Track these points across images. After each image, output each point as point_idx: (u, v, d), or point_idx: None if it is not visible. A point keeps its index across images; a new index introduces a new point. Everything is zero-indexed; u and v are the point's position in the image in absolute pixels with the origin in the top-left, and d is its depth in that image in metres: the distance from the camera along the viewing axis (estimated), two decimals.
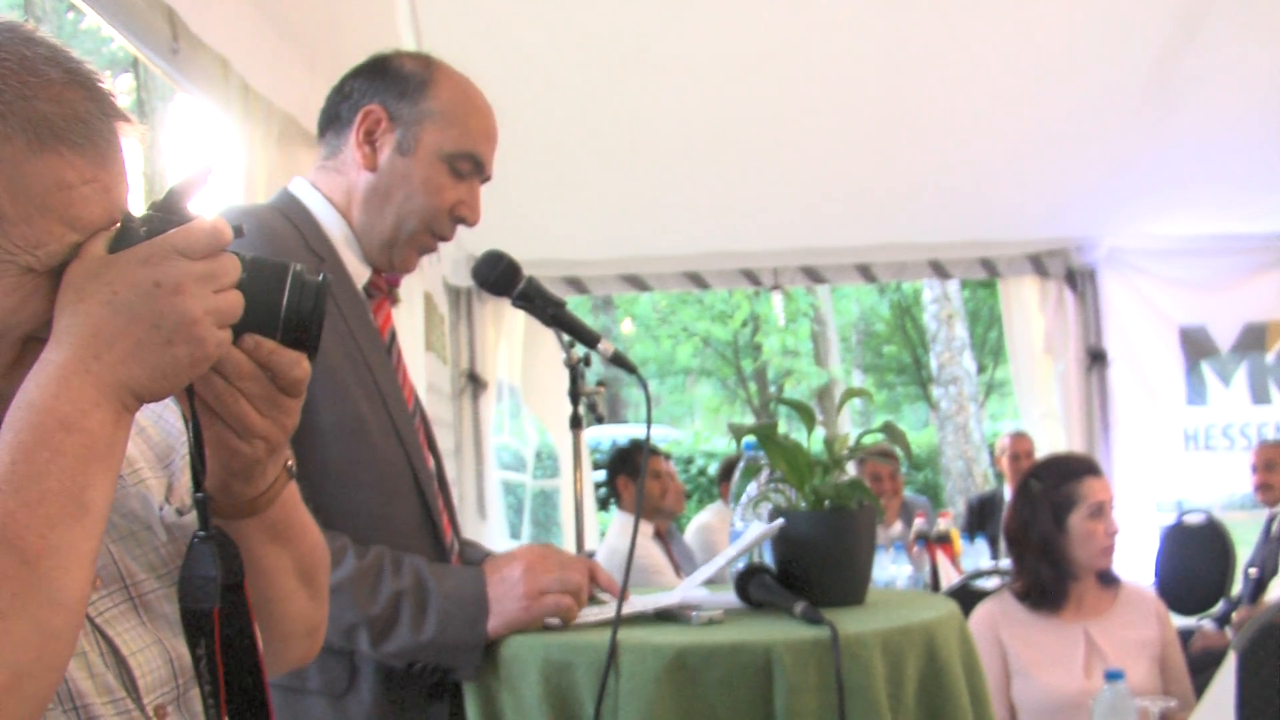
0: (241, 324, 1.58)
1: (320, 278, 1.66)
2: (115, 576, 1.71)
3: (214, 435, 1.66)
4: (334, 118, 3.10)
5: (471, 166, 3.06)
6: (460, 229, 3.11)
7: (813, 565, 3.09)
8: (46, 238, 1.52)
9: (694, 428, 34.49)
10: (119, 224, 1.56)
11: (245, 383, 1.62)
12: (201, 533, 1.66)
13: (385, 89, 3.05)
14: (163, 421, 1.94)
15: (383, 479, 2.92)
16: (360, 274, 3.06)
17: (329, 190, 3.06)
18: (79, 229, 1.54)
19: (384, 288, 3.15)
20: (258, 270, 1.61)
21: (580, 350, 3.21)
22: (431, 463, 3.14)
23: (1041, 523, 4.87)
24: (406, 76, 3.06)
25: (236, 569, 1.71)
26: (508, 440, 11.82)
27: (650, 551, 8.12)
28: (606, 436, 23.21)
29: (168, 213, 1.57)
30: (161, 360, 1.49)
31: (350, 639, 2.76)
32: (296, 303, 1.62)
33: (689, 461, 26.35)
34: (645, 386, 3.07)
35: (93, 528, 1.43)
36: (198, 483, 1.66)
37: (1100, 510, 4.77)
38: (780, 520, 3.12)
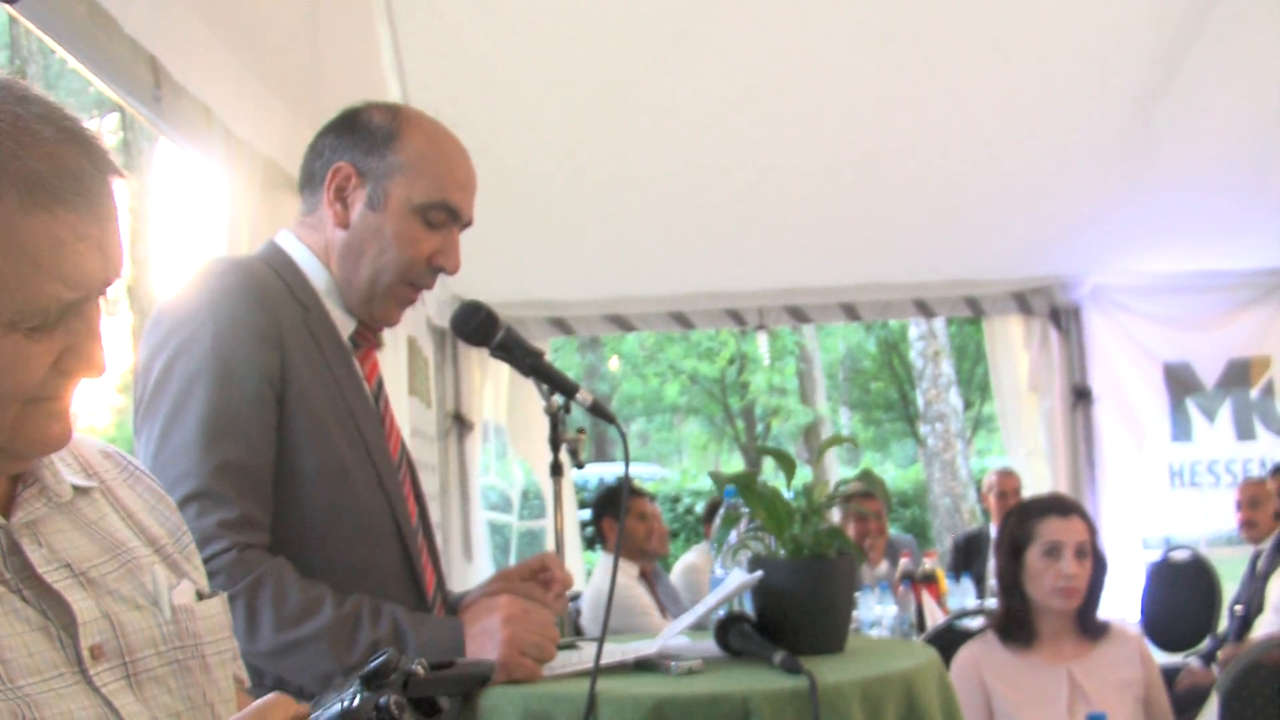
0: None
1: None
2: (116, 651, 1.72)
3: None
4: (309, 176, 3.11)
5: (445, 215, 3.05)
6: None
7: (792, 614, 3.09)
8: (42, 298, 1.54)
9: (681, 465, 34.53)
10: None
11: None
12: None
13: (353, 145, 3.05)
14: (157, 514, 1.96)
15: (364, 527, 2.92)
16: (345, 324, 3.06)
17: (311, 244, 3.07)
18: (73, 286, 1.56)
19: (370, 337, 3.15)
20: None
21: (560, 398, 3.21)
22: (415, 513, 3.14)
23: (1001, 557, 4.91)
24: (374, 130, 3.06)
25: None
26: (494, 481, 11.81)
27: (635, 593, 8.11)
28: (594, 475, 23.19)
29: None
30: None
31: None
32: None
33: (676, 500, 26.32)
34: (624, 434, 3.07)
35: None
36: None
37: (1055, 550, 4.76)
38: (759, 572, 3.12)
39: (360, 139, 3.05)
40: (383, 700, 1.59)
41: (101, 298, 1.64)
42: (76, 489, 1.81)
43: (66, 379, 1.65)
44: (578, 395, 3.11)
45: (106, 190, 1.61)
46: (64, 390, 1.65)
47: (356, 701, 1.59)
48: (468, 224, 3.14)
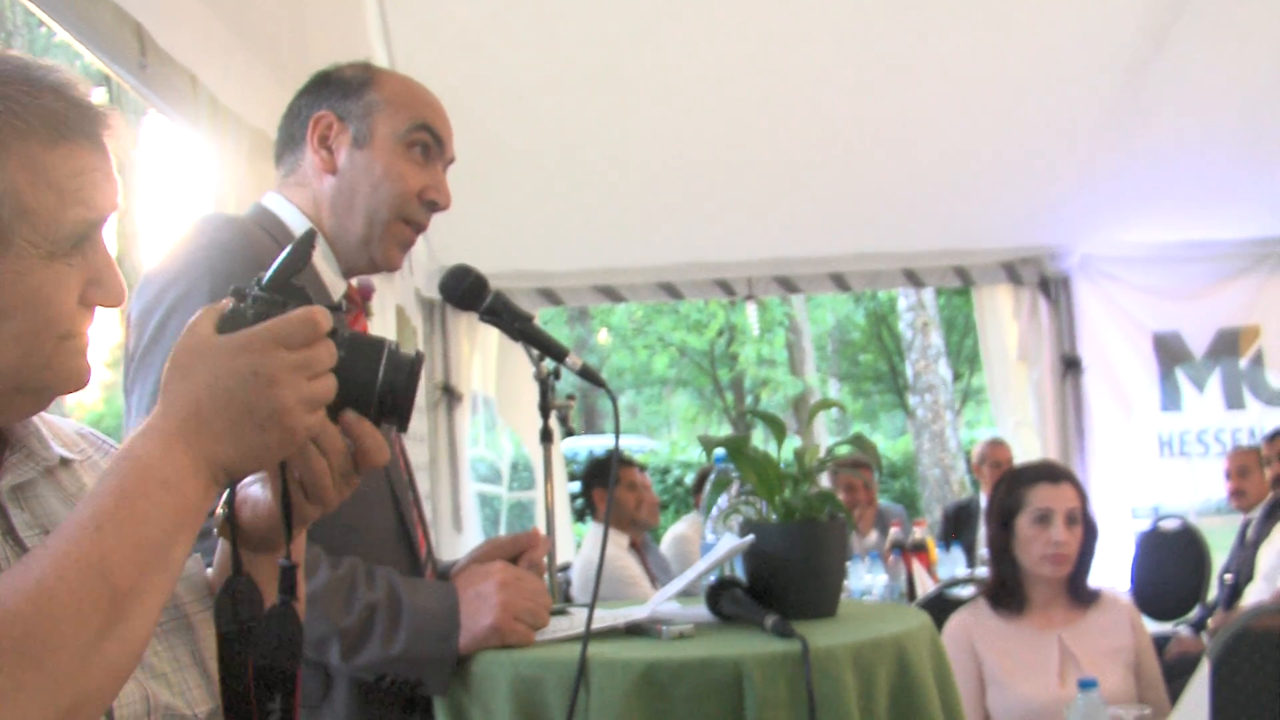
0: (340, 399, 1.70)
1: (414, 353, 1.77)
2: None
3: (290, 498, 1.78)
4: (288, 138, 3.12)
5: (430, 140, 3.07)
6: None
7: (783, 578, 3.10)
8: (68, 222, 1.66)
9: (670, 437, 34.52)
10: (231, 298, 1.69)
11: (335, 458, 1.73)
12: (285, 597, 1.79)
13: (329, 94, 3.07)
14: None
15: (358, 489, 2.92)
16: (336, 286, 3.05)
17: (299, 203, 3.06)
18: (93, 209, 1.69)
19: (359, 300, 3.15)
20: (355, 348, 1.72)
21: (550, 364, 3.20)
22: (407, 476, 3.14)
23: (992, 524, 4.92)
24: (348, 79, 3.08)
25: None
26: (483, 452, 11.80)
27: (626, 563, 8.12)
28: (583, 447, 23.20)
29: (273, 292, 1.69)
30: (253, 443, 1.61)
31: (321, 651, 2.74)
32: (390, 379, 1.73)
33: (665, 471, 26.35)
34: (614, 399, 3.06)
35: (168, 582, 1.55)
36: (286, 551, 1.79)
37: (1045, 517, 4.76)
38: (750, 536, 3.12)
39: (335, 88, 3.07)
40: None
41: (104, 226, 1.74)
42: (63, 460, 1.84)
43: (88, 313, 1.74)
44: (567, 360, 3.10)
45: (104, 125, 1.73)
46: (86, 326, 1.74)
47: None
48: (451, 160, 3.15)
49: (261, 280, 1.70)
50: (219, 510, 1.82)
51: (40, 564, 1.45)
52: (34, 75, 1.68)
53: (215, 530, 1.89)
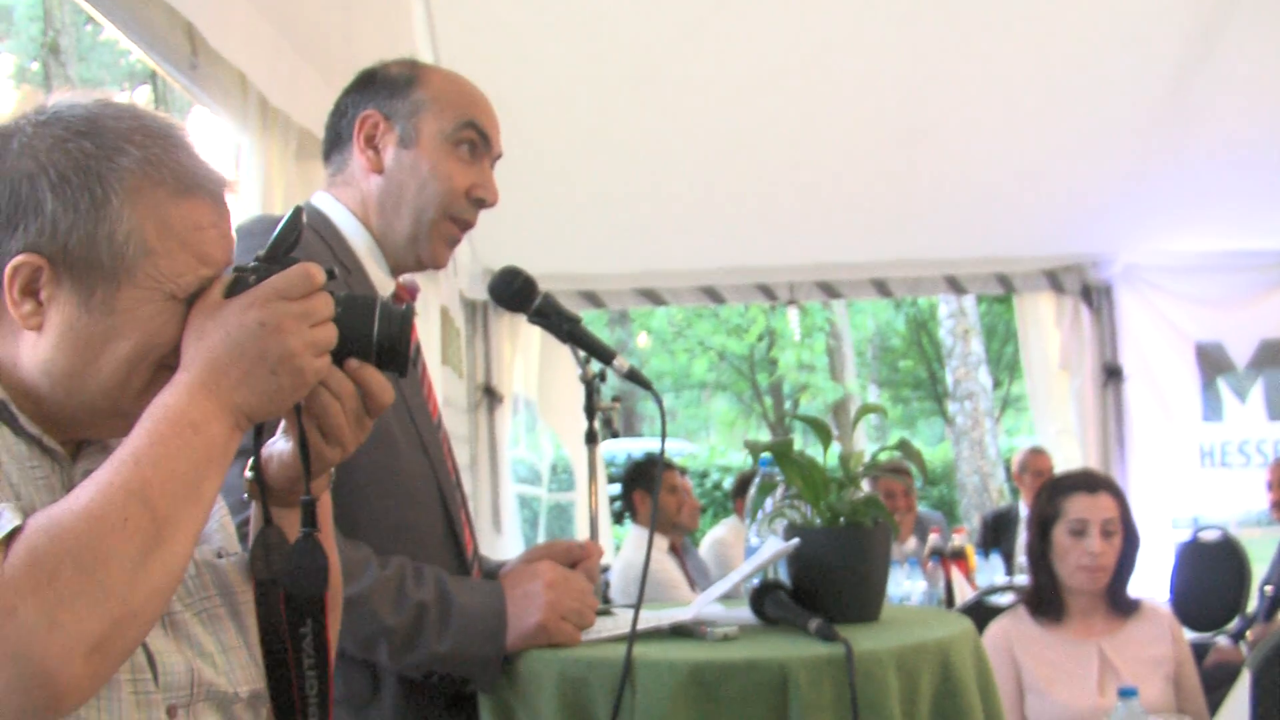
0: (342, 350, 1.88)
1: (404, 306, 1.94)
2: None
3: (310, 440, 1.94)
4: (335, 137, 3.14)
5: (477, 137, 3.08)
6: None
7: (828, 582, 3.10)
8: (184, 269, 1.83)
9: (709, 442, 34.46)
10: (233, 273, 1.86)
11: (345, 400, 1.91)
12: (307, 529, 1.96)
13: (375, 93, 3.08)
14: None
15: (408, 489, 2.94)
16: (385, 284, 3.07)
17: (347, 202, 3.08)
18: (209, 265, 1.86)
19: (406, 299, 3.16)
20: (350, 304, 1.90)
21: (595, 366, 3.21)
22: (454, 477, 3.16)
23: (1031, 534, 4.91)
24: (394, 78, 3.09)
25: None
26: (523, 454, 11.83)
27: (665, 566, 8.12)
28: (622, 450, 23.18)
29: (271, 262, 1.87)
30: (268, 386, 1.79)
31: (370, 650, 2.77)
32: (386, 329, 1.91)
33: (704, 475, 26.31)
34: (660, 402, 3.08)
35: (201, 514, 1.72)
36: (305, 487, 1.96)
37: (1081, 528, 4.75)
38: (796, 539, 3.12)
39: (381, 87, 3.09)
40: None
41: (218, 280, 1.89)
42: None
43: None
44: (614, 362, 3.11)
45: (225, 185, 1.93)
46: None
47: None
48: (498, 155, 3.16)
49: (260, 255, 1.88)
50: (246, 474, 2.01)
51: (88, 491, 1.63)
52: (174, 134, 1.88)
53: (246, 494, 2.04)
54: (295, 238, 1.91)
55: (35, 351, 1.82)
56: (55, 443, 1.87)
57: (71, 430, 1.89)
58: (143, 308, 1.81)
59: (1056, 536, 4.80)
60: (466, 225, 3.13)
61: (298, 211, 1.93)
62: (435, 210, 3.04)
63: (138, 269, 1.81)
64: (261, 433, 1.98)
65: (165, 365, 1.82)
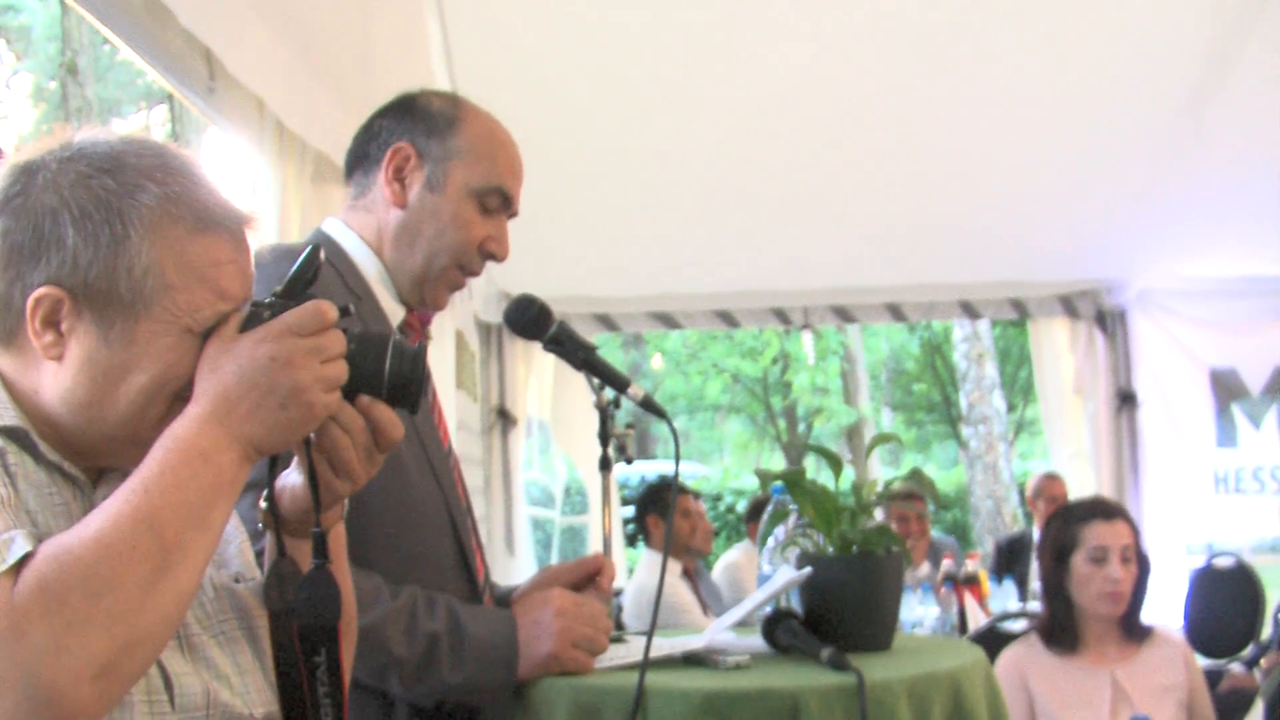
0: (354, 387, 1.91)
1: (417, 345, 1.98)
2: None
3: (320, 474, 1.98)
4: (362, 157, 3.13)
5: (499, 201, 3.08)
6: (492, 264, 3.14)
7: (840, 611, 3.10)
8: (202, 304, 1.88)
9: (723, 464, 34.44)
10: (250, 308, 1.90)
11: (355, 435, 1.94)
12: (319, 560, 1.99)
13: (413, 127, 3.07)
14: None
15: (419, 516, 2.94)
16: (395, 312, 3.07)
17: (361, 229, 3.08)
18: (226, 299, 1.90)
19: (418, 326, 3.16)
20: (364, 342, 1.94)
21: (610, 393, 3.21)
22: (465, 503, 3.16)
23: (1045, 562, 4.90)
24: (434, 115, 3.08)
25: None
26: (537, 476, 11.83)
27: (678, 590, 8.11)
28: (635, 473, 23.16)
29: (288, 297, 1.90)
30: (278, 420, 1.82)
31: (382, 679, 2.77)
32: (397, 367, 1.95)
33: (717, 499, 26.30)
34: (674, 430, 3.08)
35: (210, 542, 1.76)
36: (315, 520, 1.99)
37: (1102, 555, 4.74)
38: (808, 568, 3.12)
39: (420, 121, 3.07)
40: None
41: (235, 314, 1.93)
42: None
43: None
44: (629, 390, 3.11)
45: (246, 222, 1.98)
46: None
47: None
48: (515, 214, 3.16)
49: (276, 291, 1.91)
50: (261, 504, 2.05)
51: (98, 518, 1.67)
52: (195, 172, 1.93)
53: (260, 524, 2.07)
54: (313, 274, 1.94)
55: (56, 381, 1.87)
56: (76, 470, 1.91)
57: (91, 458, 1.93)
58: (160, 340, 1.86)
59: (1075, 564, 4.79)
60: (472, 274, 3.14)
61: (315, 249, 1.96)
62: (447, 258, 3.05)
63: (156, 303, 1.85)
64: (275, 465, 2.02)
65: (182, 397, 1.85)
